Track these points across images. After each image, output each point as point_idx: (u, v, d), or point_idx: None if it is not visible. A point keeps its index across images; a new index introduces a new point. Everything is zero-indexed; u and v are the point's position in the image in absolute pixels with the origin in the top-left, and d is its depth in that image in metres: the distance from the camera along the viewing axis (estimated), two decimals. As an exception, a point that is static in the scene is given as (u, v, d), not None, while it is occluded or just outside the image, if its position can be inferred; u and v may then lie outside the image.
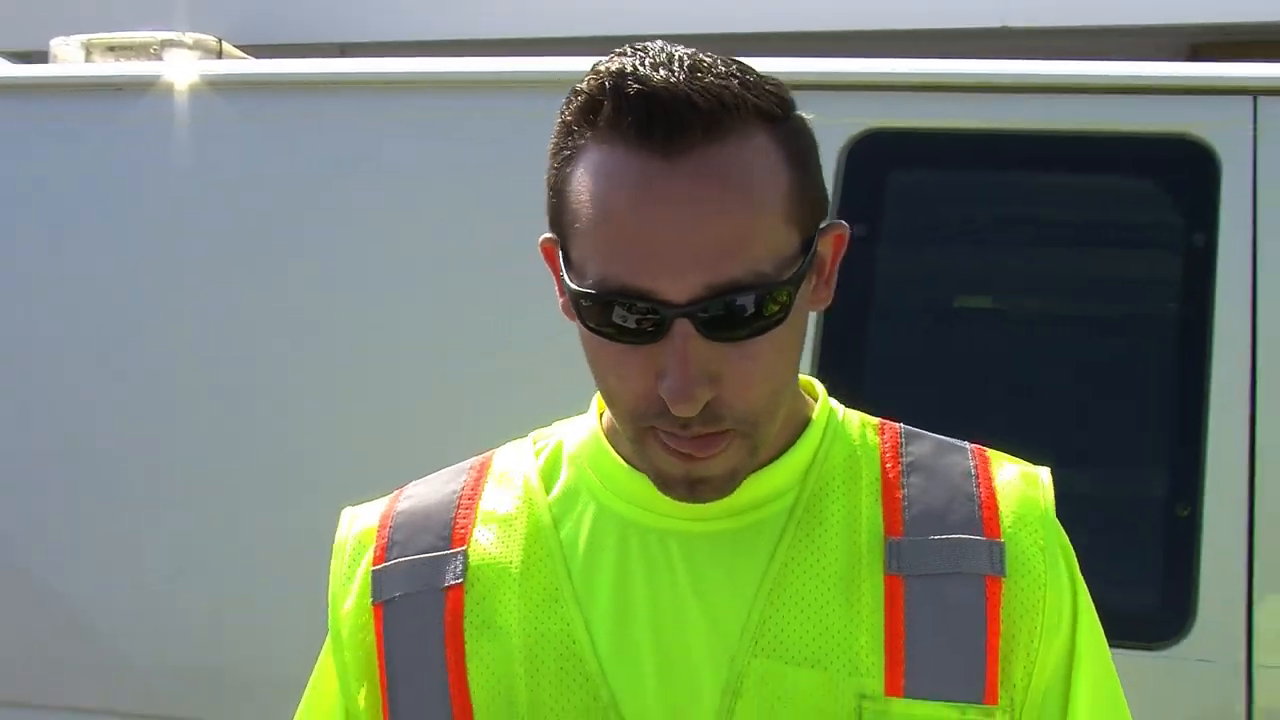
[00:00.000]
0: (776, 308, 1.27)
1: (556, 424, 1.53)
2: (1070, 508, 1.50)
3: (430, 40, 5.81)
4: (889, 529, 1.41)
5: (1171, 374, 2.54)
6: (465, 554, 1.44)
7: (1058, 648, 1.41)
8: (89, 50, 3.16)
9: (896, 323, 2.69)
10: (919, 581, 1.38)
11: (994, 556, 1.39)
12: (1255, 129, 2.48)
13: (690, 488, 1.33)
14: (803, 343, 1.38)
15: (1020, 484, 1.45)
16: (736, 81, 1.27)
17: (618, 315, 1.27)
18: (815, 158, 1.35)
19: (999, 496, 1.43)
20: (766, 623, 1.37)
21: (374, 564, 1.47)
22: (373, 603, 1.45)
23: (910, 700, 1.35)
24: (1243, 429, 2.40)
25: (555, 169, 1.32)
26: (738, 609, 1.38)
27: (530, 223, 1.38)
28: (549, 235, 1.36)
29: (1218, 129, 2.51)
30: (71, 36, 3.18)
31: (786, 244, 1.29)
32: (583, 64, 1.38)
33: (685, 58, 1.27)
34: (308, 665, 1.52)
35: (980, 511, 1.42)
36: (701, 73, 1.26)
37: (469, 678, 1.40)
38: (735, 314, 1.26)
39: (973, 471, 1.45)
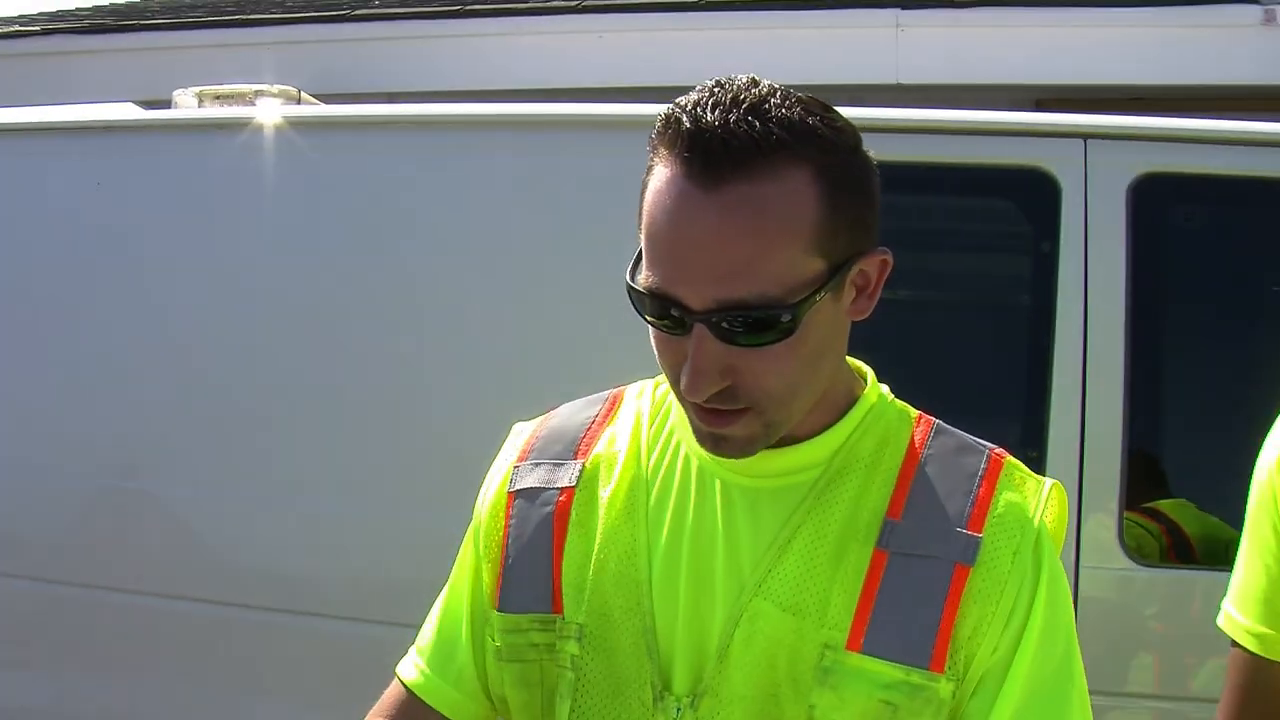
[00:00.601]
0: (780, 325, 1.23)
1: None
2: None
3: (463, 89, 5.81)
4: (891, 511, 1.34)
5: (1025, 347, 2.60)
6: (584, 465, 1.44)
7: (1005, 641, 1.31)
8: (201, 98, 3.19)
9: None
10: (899, 558, 1.32)
11: (968, 548, 1.31)
12: (1086, 162, 2.52)
13: (714, 444, 1.31)
14: (835, 346, 1.32)
15: (1018, 492, 1.36)
16: (789, 124, 1.22)
17: (655, 311, 1.26)
18: (862, 192, 1.28)
19: (994, 499, 1.34)
20: (772, 571, 1.33)
21: (518, 460, 1.47)
22: (508, 491, 1.45)
23: (865, 656, 1.30)
24: (1076, 388, 2.45)
25: (645, 176, 1.28)
26: (754, 556, 1.35)
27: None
28: None
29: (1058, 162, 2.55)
30: (188, 89, 3.21)
31: (802, 270, 1.23)
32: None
33: (750, 98, 1.22)
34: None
35: (971, 509, 1.34)
36: (755, 116, 1.21)
37: (565, 561, 1.40)
38: (742, 327, 1.22)
39: (980, 473, 1.37)
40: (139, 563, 2.84)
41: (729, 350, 1.24)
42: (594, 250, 2.61)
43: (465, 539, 1.51)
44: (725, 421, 1.29)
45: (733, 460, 1.34)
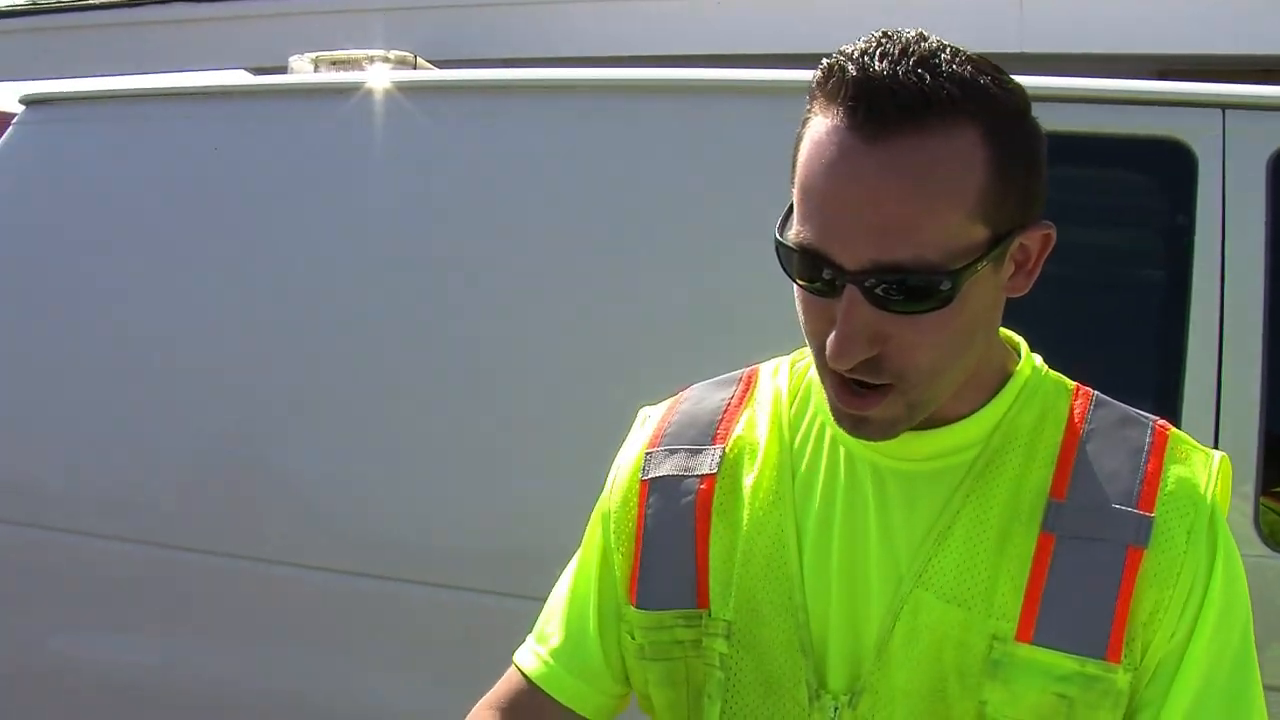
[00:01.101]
0: (938, 292, 1.16)
1: None
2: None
3: (571, 55, 5.79)
4: (1055, 490, 1.27)
5: (1159, 325, 2.52)
6: (724, 451, 1.38)
7: (1182, 625, 1.25)
8: (316, 64, 3.19)
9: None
10: (1068, 542, 1.25)
11: (1140, 529, 1.24)
12: (1224, 134, 2.43)
13: (853, 424, 1.25)
14: (989, 322, 1.26)
15: (1186, 466, 1.28)
16: (960, 80, 1.15)
17: (804, 270, 1.19)
18: (1031, 159, 1.21)
19: (1164, 474, 1.27)
20: (931, 561, 1.27)
21: (649, 447, 1.42)
22: (641, 479, 1.40)
23: (1036, 647, 1.23)
24: (1211, 367, 2.37)
25: (799, 129, 1.22)
26: (910, 544, 1.28)
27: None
28: None
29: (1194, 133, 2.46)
30: (304, 54, 3.21)
31: (964, 237, 1.16)
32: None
33: (919, 51, 1.15)
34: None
35: (1140, 486, 1.26)
36: (925, 69, 1.14)
37: (710, 552, 1.35)
38: (897, 291, 1.15)
39: (1146, 447, 1.29)
40: (256, 529, 2.85)
41: (880, 317, 1.17)
42: (732, 219, 2.56)
43: (591, 524, 1.47)
44: (866, 404, 1.22)
45: (884, 444, 1.27)
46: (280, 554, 2.83)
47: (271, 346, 2.88)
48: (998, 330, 1.32)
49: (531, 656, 1.45)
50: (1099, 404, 1.34)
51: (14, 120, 3.15)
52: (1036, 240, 1.26)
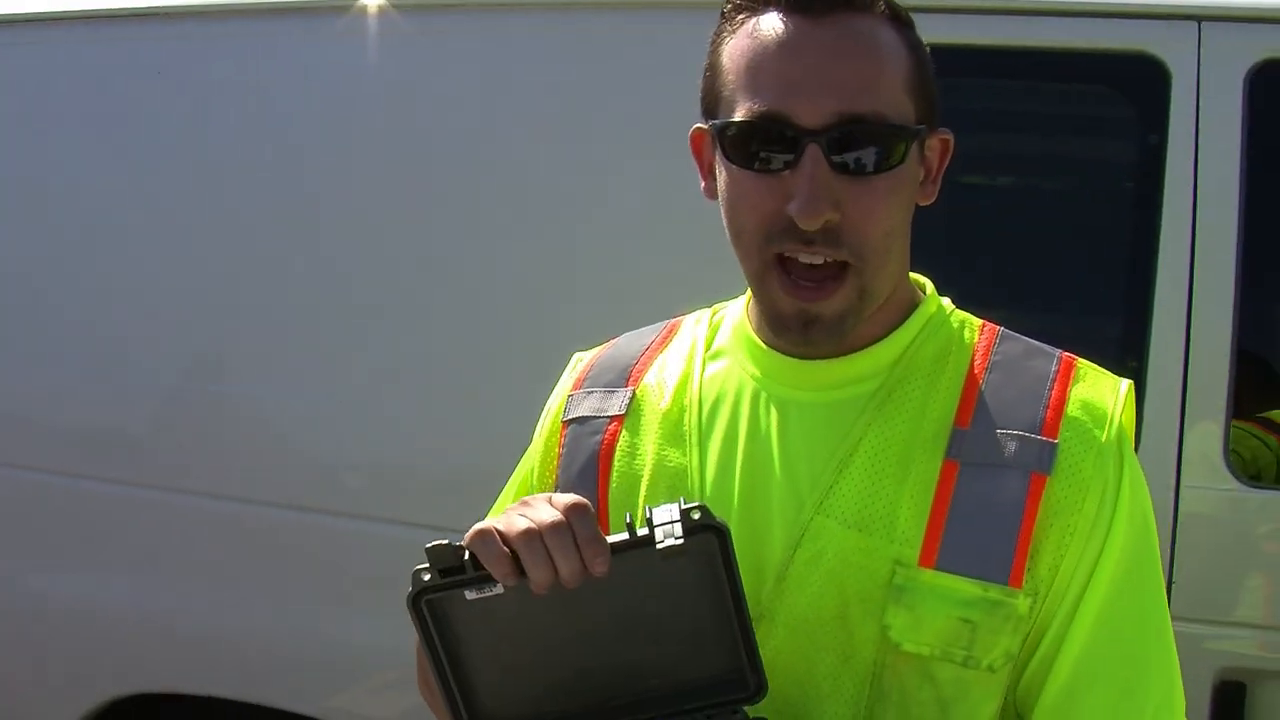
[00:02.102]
0: (894, 150, 1.24)
1: (735, 300, 1.48)
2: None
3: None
4: (959, 419, 1.30)
5: (1128, 245, 2.44)
6: (634, 392, 1.43)
7: (1089, 550, 1.28)
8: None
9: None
10: (971, 469, 1.28)
11: (1044, 455, 1.27)
12: (1200, 47, 2.34)
13: (804, 326, 1.27)
14: (908, 222, 1.32)
15: (1092, 393, 1.32)
16: None
17: (757, 144, 1.24)
18: (931, 69, 1.31)
19: (1068, 401, 1.30)
20: (832, 489, 1.30)
21: (573, 389, 1.47)
22: (562, 419, 1.46)
23: (939, 572, 1.27)
24: (1182, 288, 2.30)
25: (711, 51, 1.31)
26: (812, 473, 1.31)
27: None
28: (698, 125, 1.33)
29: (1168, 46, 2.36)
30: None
31: (905, 108, 1.26)
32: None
33: None
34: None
35: (1044, 413, 1.29)
36: None
37: (610, 493, 1.39)
38: (859, 143, 1.22)
39: (1051, 376, 1.33)
40: (226, 467, 2.81)
41: (837, 182, 1.22)
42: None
43: (520, 463, 1.52)
44: (820, 293, 1.25)
45: (788, 374, 1.33)
46: (250, 492, 2.80)
47: (240, 281, 2.81)
48: (909, 250, 1.35)
49: None
50: (1005, 338, 1.37)
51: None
52: (938, 146, 1.34)
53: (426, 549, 1.18)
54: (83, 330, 2.93)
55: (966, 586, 1.25)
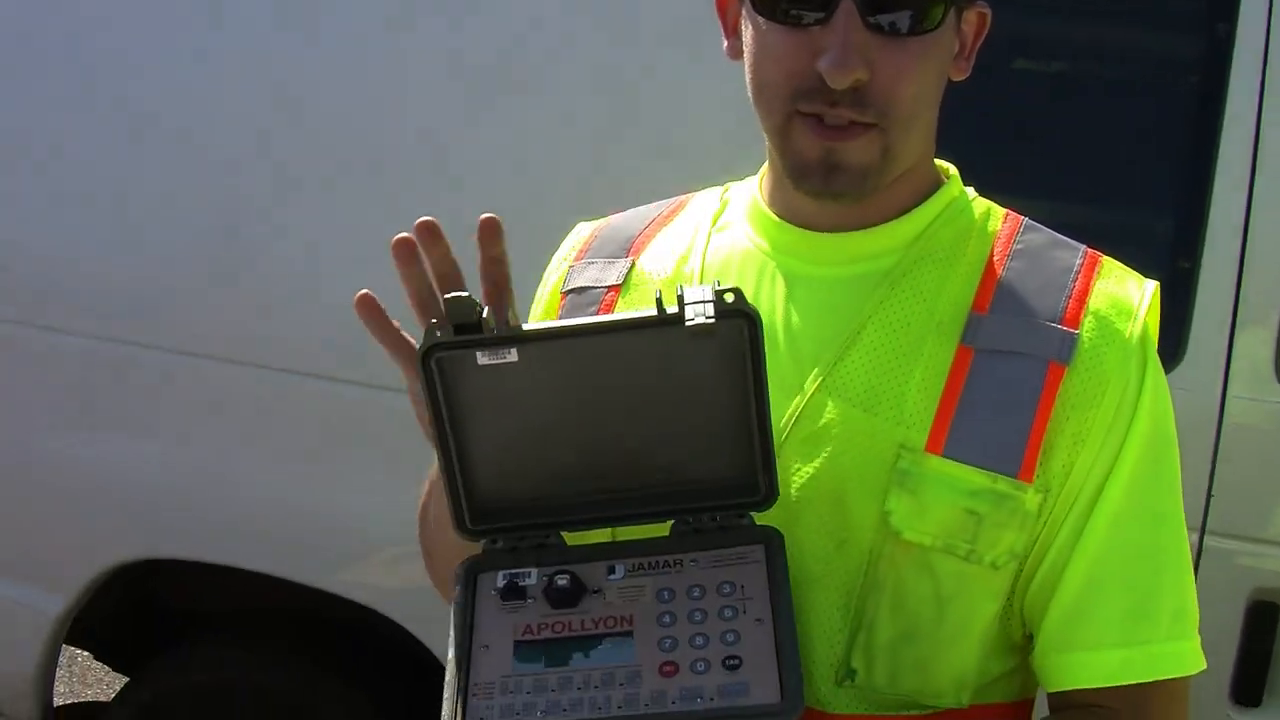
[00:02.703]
0: (933, 14, 1.20)
1: (747, 179, 1.43)
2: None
3: None
4: (977, 305, 1.26)
5: (1187, 138, 2.29)
6: (633, 262, 1.40)
7: (1106, 451, 1.23)
8: None
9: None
10: (987, 356, 1.23)
11: (1064, 345, 1.22)
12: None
13: (826, 175, 1.22)
14: (938, 97, 1.28)
15: (1117, 289, 1.27)
16: None
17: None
18: None
19: (1091, 294, 1.26)
20: (837, 364, 1.26)
21: (575, 259, 1.44)
22: (561, 290, 1.43)
23: (947, 459, 1.21)
24: (1243, 186, 2.18)
25: None
26: (817, 348, 1.27)
27: None
28: None
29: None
30: None
31: None
32: None
33: None
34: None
35: (1066, 303, 1.25)
36: None
37: None
38: (895, 4, 1.18)
39: (1075, 268, 1.28)
40: (234, 328, 2.73)
41: (870, 40, 1.18)
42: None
43: None
44: (846, 136, 1.20)
45: (799, 247, 1.29)
46: (274, 360, 2.71)
47: (252, 136, 2.71)
48: (935, 126, 1.32)
49: None
50: (1029, 228, 1.33)
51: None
52: (974, 20, 1.29)
53: (446, 299, 1.14)
54: (76, 184, 2.83)
55: (974, 476, 1.21)
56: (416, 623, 2.68)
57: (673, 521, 1.25)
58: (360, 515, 2.68)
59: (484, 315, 1.15)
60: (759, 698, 1.12)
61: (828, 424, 1.24)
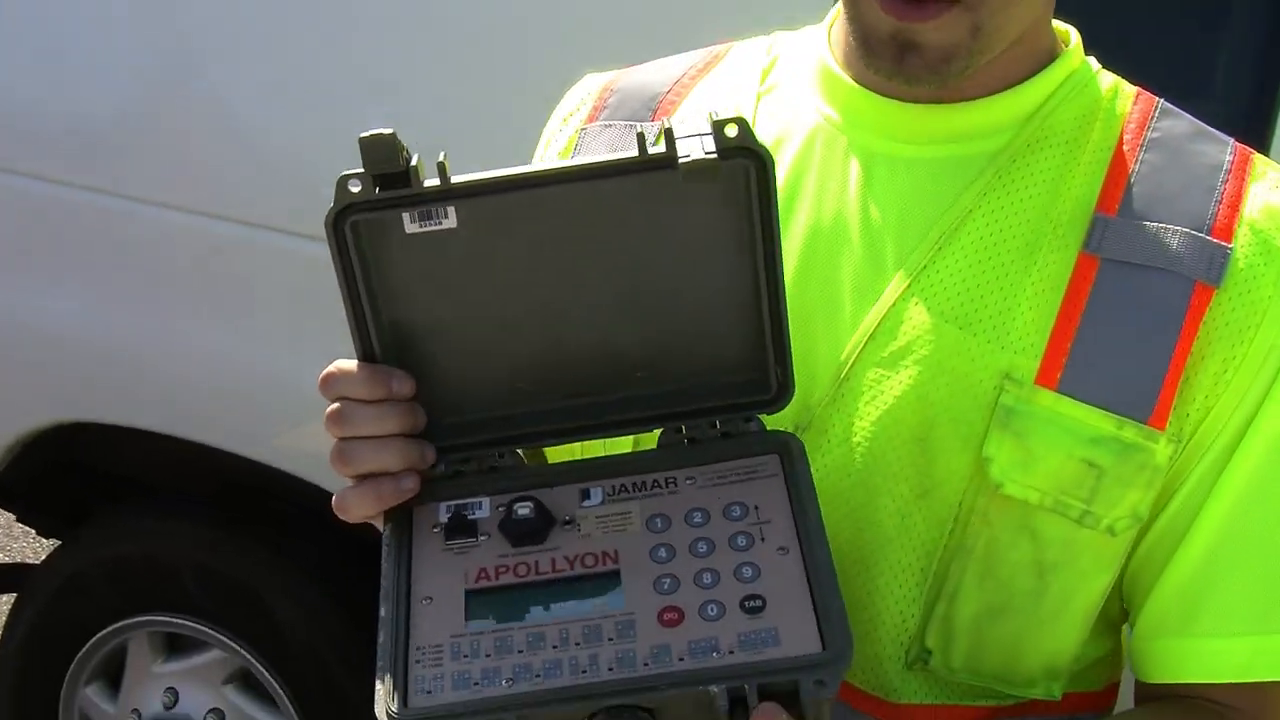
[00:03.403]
0: None
1: (807, 27, 1.20)
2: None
3: None
4: (1102, 204, 1.04)
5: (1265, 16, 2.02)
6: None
7: (1253, 393, 1.01)
8: None
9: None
10: (1115, 267, 1.01)
11: (1214, 262, 1.00)
12: None
13: (898, 54, 1.01)
14: None
15: (1273, 194, 1.04)
16: None
17: None
18: None
19: (1246, 200, 1.03)
20: (927, 269, 1.04)
21: (586, 121, 1.22)
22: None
23: (1063, 396, 1.00)
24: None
25: None
26: (901, 248, 1.05)
27: None
28: None
29: None
30: None
31: None
32: None
33: None
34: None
35: (1216, 209, 1.02)
36: None
37: None
38: None
39: (1226, 165, 1.05)
40: (197, 177, 2.50)
41: None
42: None
43: None
44: (924, 12, 0.98)
45: (884, 122, 1.06)
46: (219, 206, 2.48)
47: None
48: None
49: None
50: (1165, 112, 1.10)
51: None
52: None
53: (361, 138, 0.88)
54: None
55: (1097, 420, 1.00)
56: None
57: (660, 430, 1.02)
58: (310, 380, 2.45)
59: (413, 164, 0.90)
60: (793, 647, 0.89)
61: (913, 342, 1.03)
